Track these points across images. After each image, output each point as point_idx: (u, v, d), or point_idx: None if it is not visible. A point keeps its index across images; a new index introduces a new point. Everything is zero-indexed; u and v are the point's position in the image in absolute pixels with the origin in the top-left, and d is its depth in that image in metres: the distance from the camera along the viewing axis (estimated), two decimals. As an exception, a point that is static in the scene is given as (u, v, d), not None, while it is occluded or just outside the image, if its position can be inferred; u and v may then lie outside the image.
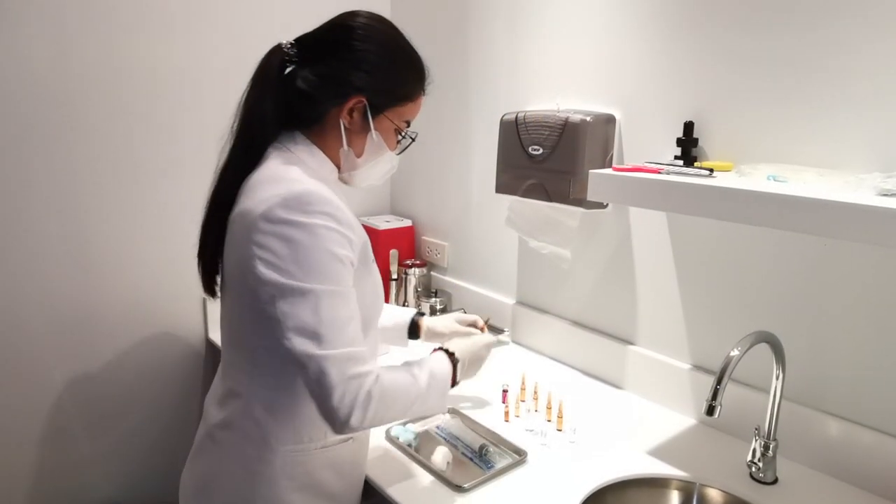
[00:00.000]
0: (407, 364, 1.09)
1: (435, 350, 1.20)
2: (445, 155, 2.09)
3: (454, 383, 1.17)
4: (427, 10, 2.09)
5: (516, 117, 1.63)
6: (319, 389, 0.91)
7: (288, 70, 1.04)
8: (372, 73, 1.03)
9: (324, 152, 1.08)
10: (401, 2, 2.19)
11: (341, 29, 1.04)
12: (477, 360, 1.27)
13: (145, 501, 1.93)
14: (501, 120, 1.68)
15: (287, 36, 1.07)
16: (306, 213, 0.92)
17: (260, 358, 1.02)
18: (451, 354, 1.18)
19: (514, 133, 1.63)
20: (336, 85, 1.03)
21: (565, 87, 1.66)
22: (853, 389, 1.21)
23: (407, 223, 2.24)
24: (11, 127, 1.57)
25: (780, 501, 1.17)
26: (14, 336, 1.66)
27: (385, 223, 2.19)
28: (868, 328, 1.18)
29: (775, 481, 1.22)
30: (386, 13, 2.22)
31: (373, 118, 1.05)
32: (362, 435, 1.16)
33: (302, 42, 1.06)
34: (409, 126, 1.13)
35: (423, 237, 2.25)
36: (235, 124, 1.05)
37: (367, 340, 1.04)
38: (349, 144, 1.06)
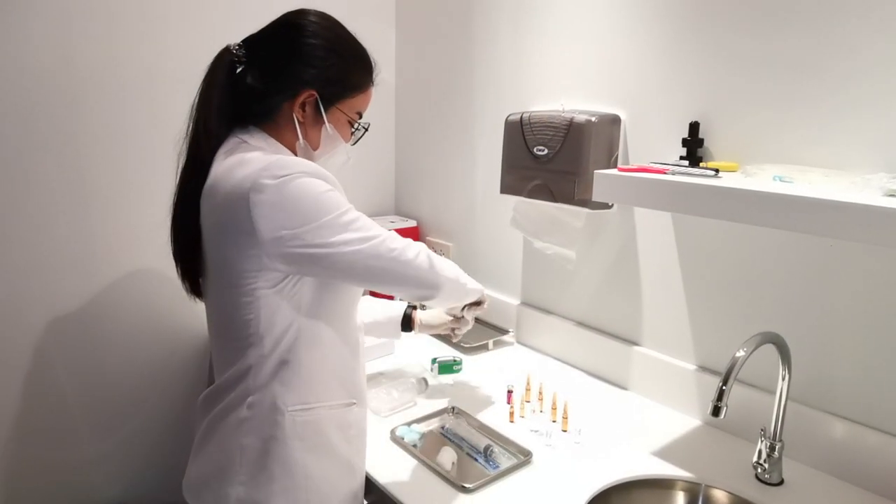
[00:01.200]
0: None
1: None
2: (450, 155, 2.09)
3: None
4: (431, 11, 2.09)
5: (521, 117, 1.63)
6: (398, 262, 1.07)
7: (238, 70, 1.08)
8: (320, 67, 1.07)
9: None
10: (405, 2, 2.20)
11: (288, 26, 1.09)
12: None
13: (150, 502, 1.94)
14: (506, 120, 1.68)
15: None
16: (287, 174, 0.98)
17: (264, 331, 1.04)
18: None
19: (519, 133, 1.63)
20: (287, 80, 1.07)
21: (570, 88, 1.66)
22: (859, 390, 1.21)
23: (412, 224, 2.24)
24: (17, 126, 1.57)
25: (786, 503, 1.17)
26: (19, 335, 1.66)
27: (390, 224, 2.19)
28: (874, 329, 1.18)
29: (781, 482, 1.22)
30: (391, 15, 2.22)
31: (325, 111, 1.10)
32: (363, 400, 1.18)
33: (250, 42, 1.10)
34: (360, 117, 1.17)
35: (428, 238, 2.25)
36: (190, 127, 1.08)
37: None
38: (305, 138, 1.11)
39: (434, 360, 1.65)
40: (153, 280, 1.84)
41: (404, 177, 2.32)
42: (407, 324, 1.51)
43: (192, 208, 1.07)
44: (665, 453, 1.32)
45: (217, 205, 1.02)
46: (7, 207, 1.59)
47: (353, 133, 1.18)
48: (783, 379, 1.19)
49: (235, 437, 1.07)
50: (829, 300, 1.23)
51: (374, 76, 1.16)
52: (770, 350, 1.18)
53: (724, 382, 1.09)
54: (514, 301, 1.93)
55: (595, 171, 1.29)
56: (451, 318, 1.51)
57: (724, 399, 1.09)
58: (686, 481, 1.25)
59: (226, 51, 1.08)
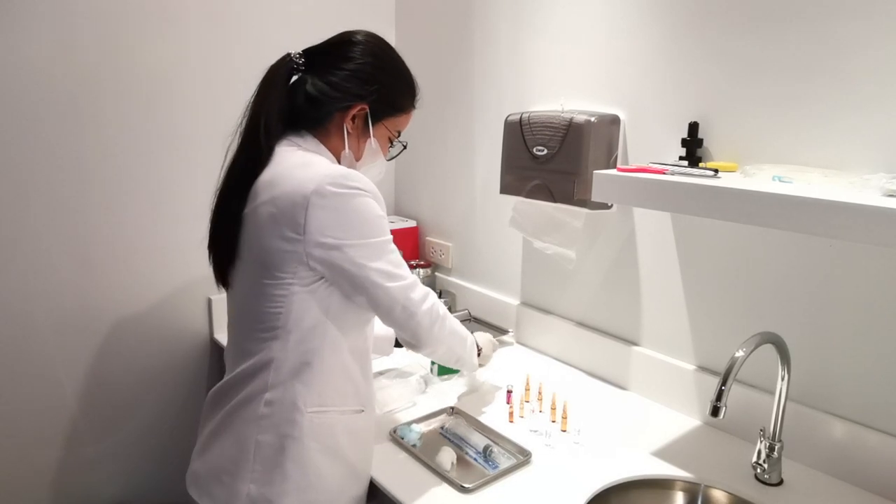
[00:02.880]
0: None
1: None
2: (450, 156, 2.09)
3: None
4: (431, 11, 2.09)
5: (521, 118, 1.63)
6: (407, 311, 1.11)
7: (294, 78, 1.15)
8: (375, 85, 1.14)
9: None
10: (404, 4, 2.20)
11: (347, 43, 1.16)
12: (489, 355, 1.51)
13: (151, 502, 1.94)
14: (506, 120, 1.68)
15: (295, 40, 1.17)
16: (352, 187, 1.05)
17: (292, 326, 1.08)
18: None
19: (519, 134, 1.63)
20: (343, 92, 1.13)
21: (570, 88, 1.66)
22: (859, 391, 1.21)
23: (411, 224, 2.24)
24: (19, 125, 1.57)
25: (785, 503, 1.17)
26: (20, 336, 1.66)
27: (389, 224, 2.19)
28: (873, 329, 1.18)
29: (780, 483, 1.22)
30: (390, 15, 2.22)
31: (372, 125, 1.17)
32: (371, 408, 1.21)
33: (309, 53, 1.16)
34: (399, 136, 1.25)
35: (428, 238, 2.25)
36: (243, 124, 1.13)
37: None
38: (350, 148, 1.17)
39: (433, 361, 1.65)
40: (154, 281, 1.84)
41: (404, 177, 2.32)
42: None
43: (238, 200, 1.11)
44: (664, 453, 1.32)
45: (273, 198, 1.05)
46: (10, 208, 1.60)
47: (390, 149, 1.26)
48: (782, 379, 1.19)
49: (252, 433, 1.08)
50: (829, 300, 1.23)
51: (416, 100, 1.24)
52: (769, 350, 1.18)
53: (724, 382, 1.09)
54: (514, 301, 1.93)
55: (594, 172, 1.29)
56: None
57: (724, 399, 1.09)
58: (685, 481, 1.25)
59: (286, 57, 1.14)
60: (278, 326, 1.07)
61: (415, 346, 1.20)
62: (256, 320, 1.10)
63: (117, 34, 1.67)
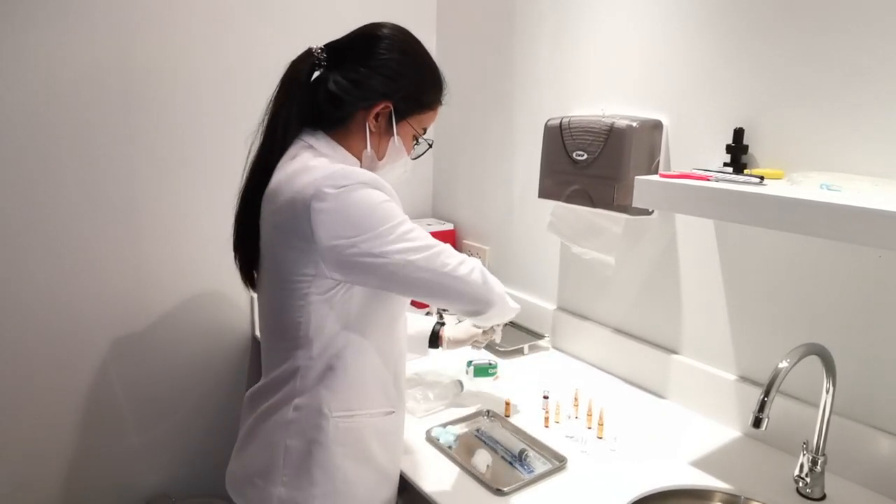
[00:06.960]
0: None
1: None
2: (488, 159, 2.10)
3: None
4: (472, 15, 2.10)
5: (560, 122, 1.62)
6: (450, 276, 1.09)
7: (316, 74, 1.11)
8: (398, 81, 1.10)
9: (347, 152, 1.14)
10: (446, 7, 2.21)
11: (371, 38, 1.11)
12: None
13: (191, 493, 1.98)
14: (545, 125, 1.68)
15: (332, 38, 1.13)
16: (348, 184, 1.00)
17: (314, 334, 1.07)
18: None
19: (559, 138, 1.62)
20: (366, 90, 1.09)
21: (611, 92, 1.65)
22: (908, 406, 1.18)
23: (448, 226, 2.25)
24: (71, 128, 1.63)
25: (828, 518, 1.15)
26: (70, 331, 1.72)
27: (427, 226, 2.20)
28: (925, 343, 1.15)
29: (823, 497, 1.20)
30: (431, 19, 2.24)
31: (396, 123, 1.13)
32: (401, 408, 1.21)
33: (332, 48, 1.12)
34: (424, 133, 1.20)
35: (465, 241, 2.25)
36: (265, 122, 1.12)
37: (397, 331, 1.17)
38: (373, 147, 1.13)
39: (469, 363, 1.66)
40: (198, 280, 1.89)
41: (442, 179, 2.33)
42: (434, 340, 1.51)
43: (254, 204, 1.10)
44: (703, 464, 1.31)
45: (278, 208, 1.04)
46: (63, 211, 1.65)
47: (414, 147, 1.21)
48: (827, 392, 1.17)
49: (281, 438, 1.09)
50: (876, 312, 1.20)
51: (443, 95, 1.18)
52: (814, 362, 1.15)
53: (766, 394, 1.07)
54: (551, 306, 1.93)
55: (636, 177, 1.28)
56: (480, 331, 1.51)
57: (766, 410, 1.07)
58: (725, 493, 1.23)
59: (308, 53, 1.11)
60: (301, 335, 1.07)
61: (478, 310, 1.17)
62: (281, 329, 1.10)
63: (167, 40, 1.72)
